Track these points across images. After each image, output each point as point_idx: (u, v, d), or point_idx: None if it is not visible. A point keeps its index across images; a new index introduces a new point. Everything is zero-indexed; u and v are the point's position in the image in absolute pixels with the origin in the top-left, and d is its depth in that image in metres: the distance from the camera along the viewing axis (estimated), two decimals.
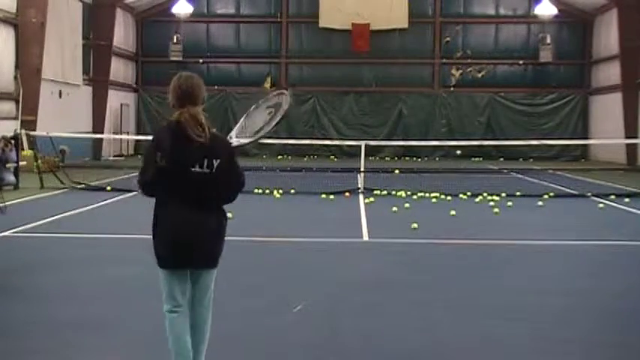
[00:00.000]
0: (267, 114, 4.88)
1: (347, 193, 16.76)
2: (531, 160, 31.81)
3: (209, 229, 4.37)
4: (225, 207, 4.48)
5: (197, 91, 4.44)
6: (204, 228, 4.35)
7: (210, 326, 4.57)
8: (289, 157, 32.51)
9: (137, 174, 4.50)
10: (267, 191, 16.77)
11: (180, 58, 34.67)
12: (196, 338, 4.45)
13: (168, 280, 4.37)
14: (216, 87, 34.76)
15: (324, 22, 34.05)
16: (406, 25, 34.04)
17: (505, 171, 25.25)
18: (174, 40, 34.75)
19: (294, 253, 9.76)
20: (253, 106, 5.04)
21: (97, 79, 30.56)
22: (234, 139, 4.86)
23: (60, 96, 27.18)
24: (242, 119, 5.05)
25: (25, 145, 21.32)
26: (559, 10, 33.44)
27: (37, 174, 17.98)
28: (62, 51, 26.66)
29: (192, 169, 4.27)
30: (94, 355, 5.41)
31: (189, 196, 4.29)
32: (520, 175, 23.28)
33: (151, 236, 4.40)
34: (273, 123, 4.81)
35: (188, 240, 4.31)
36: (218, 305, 6.76)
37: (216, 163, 4.32)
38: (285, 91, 4.98)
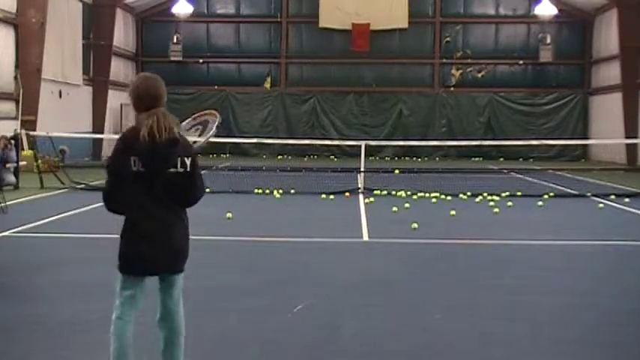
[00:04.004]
0: (194, 131, 4.83)
1: (347, 193, 16.75)
2: (531, 160, 31.83)
3: None
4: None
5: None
6: None
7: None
8: (289, 157, 32.50)
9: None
10: (267, 191, 16.77)
11: (180, 58, 34.73)
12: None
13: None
14: (216, 87, 34.81)
15: (324, 22, 34.07)
16: (406, 25, 34.06)
17: (505, 171, 25.25)
18: (174, 40, 34.79)
19: (294, 253, 9.75)
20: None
21: (97, 79, 30.57)
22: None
23: (60, 96, 27.19)
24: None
25: (25, 145, 21.31)
26: (559, 10, 33.46)
27: (37, 174, 17.98)
28: (62, 51, 26.67)
29: None
30: (93, 355, 5.41)
31: None
32: (520, 175, 23.28)
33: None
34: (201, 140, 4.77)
35: None
36: (218, 305, 6.78)
37: None
38: (214, 112, 4.95)
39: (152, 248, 4.26)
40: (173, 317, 4.42)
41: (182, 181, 4.26)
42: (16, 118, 23.24)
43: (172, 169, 4.23)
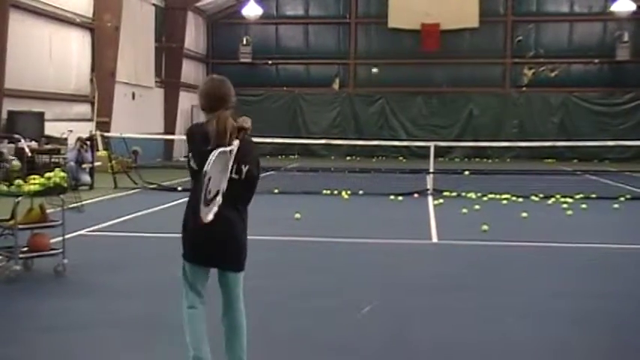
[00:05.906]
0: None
1: (416, 195, 16.60)
2: (607, 161, 30.93)
3: None
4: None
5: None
6: None
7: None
8: (358, 158, 32.47)
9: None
10: (336, 192, 16.77)
11: (250, 60, 35.12)
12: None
13: None
14: (285, 88, 35.02)
15: (393, 22, 33.85)
16: (477, 25, 33.55)
17: (579, 172, 24.62)
18: (244, 42, 35.21)
19: (362, 254, 9.70)
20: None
21: (169, 81, 31.16)
22: None
23: (133, 98, 27.81)
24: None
25: (100, 146, 21.88)
26: (638, 7, 32.38)
27: (111, 174, 18.42)
28: (135, 54, 27.27)
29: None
30: (168, 354, 5.48)
31: None
32: (595, 177, 22.65)
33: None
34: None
35: None
36: (286, 305, 6.79)
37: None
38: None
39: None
40: (232, 314, 4.48)
41: (235, 187, 4.27)
42: (91, 120, 23.90)
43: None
